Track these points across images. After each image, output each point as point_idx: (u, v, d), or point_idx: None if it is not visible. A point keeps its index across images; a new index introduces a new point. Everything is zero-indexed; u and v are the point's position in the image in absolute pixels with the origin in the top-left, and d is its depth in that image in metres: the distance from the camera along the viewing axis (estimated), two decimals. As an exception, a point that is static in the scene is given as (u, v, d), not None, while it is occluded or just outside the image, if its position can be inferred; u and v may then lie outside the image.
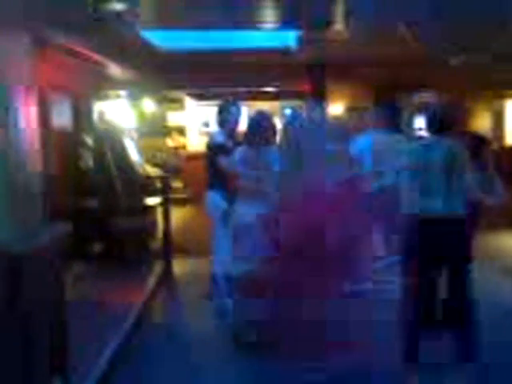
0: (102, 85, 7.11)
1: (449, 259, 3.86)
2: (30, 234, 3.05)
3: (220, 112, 5.11)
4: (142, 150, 8.18)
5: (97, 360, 3.70)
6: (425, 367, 3.82)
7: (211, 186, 4.95)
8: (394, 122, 5.04)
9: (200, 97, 11.81)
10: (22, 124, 3.32)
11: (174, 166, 12.22)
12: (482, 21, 4.98)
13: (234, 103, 5.16)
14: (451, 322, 3.90)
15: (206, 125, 12.08)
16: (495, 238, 8.01)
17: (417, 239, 3.84)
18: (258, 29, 5.03)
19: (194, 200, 9.17)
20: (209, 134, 6.77)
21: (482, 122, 11.47)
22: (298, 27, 4.96)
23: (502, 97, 10.57)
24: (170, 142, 13.73)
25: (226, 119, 5.06)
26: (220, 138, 4.99)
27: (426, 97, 8.61)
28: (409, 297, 3.93)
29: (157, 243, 6.93)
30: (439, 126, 3.92)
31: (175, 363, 4.05)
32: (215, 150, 4.85)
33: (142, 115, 11.18)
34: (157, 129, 12.92)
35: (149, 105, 11.61)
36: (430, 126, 3.96)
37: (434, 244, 3.80)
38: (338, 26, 4.83)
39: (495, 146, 10.46)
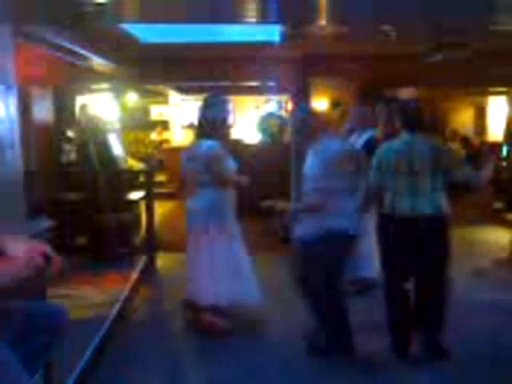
0: (84, 78, 7.05)
1: (428, 258, 3.86)
2: (11, 230, 3.02)
3: (207, 106, 4.97)
4: (125, 144, 8.14)
5: (78, 356, 3.69)
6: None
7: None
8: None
9: (183, 90, 11.77)
10: (2, 117, 3.29)
11: (158, 160, 12.21)
12: (464, 17, 5.02)
13: (221, 97, 5.05)
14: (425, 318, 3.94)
15: (191, 125, 11.89)
16: (472, 232, 8.13)
17: (396, 238, 3.85)
18: (241, 23, 5.02)
19: (177, 194, 9.14)
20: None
21: (464, 119, 11.59)
22: (281, 22, 4.95)
23: (484, 93, 10.68)
24: (155, 136, 13.69)
25: (213, 114, 4.96)
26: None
27: (408, 92, 8.68)
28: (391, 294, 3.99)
29: (140, 238, 6.92)
30: (418, 123, 3.88)
31: (156, 363, 4.05)
32: None
33: (125, 109, 11.12)
34: (140, 122, 12.89)
35: (132, 98, 11.56)
36: (408, 123, 3.89)
37: (414, 242, 3.81)
38: (322, 21, 4.84)
39: (477, 141, 10.60)
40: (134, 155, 9.40)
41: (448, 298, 3.93)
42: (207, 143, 4.37)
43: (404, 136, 3.89)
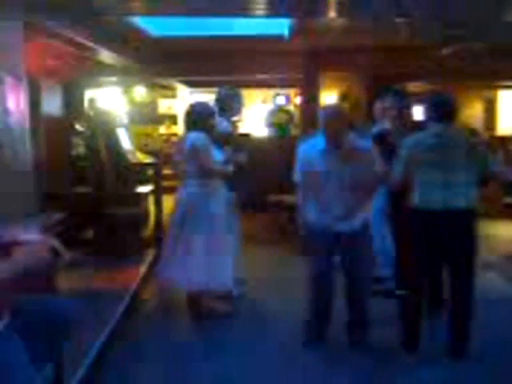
0: (93, 71, 7.06)
1: (460, 250, 3.79)
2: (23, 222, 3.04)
3: (220, 99, 5.08)
4: (133, 138, 8.14)
5: (88, 348, 3.70)
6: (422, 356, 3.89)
7: None
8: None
9: (192, 84, 11.75)
10: (12, 110, 3.30)
11: (166, 153, 12.20)
12: (473, 11, 4.98)
13: (235, 90, 5.14)
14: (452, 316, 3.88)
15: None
16: (481, 226, 8.09)
17: (427, 232, 3.77)
18: (251, 16, 5.00)
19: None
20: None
21: (473, 112, 11.52)
22: (290, 15, 4.93)
23: (494, 87, 10.60)
24: (164, 130, 13.68)
25: (227, 107, 5.06)
26: (225, 125, 4.97)
27: (419, 86, 8.62)
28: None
29: (148, 231, 6.92)
30: (450, 114, 3.75)
31: (164, 355, 4.08)
32: (222, 138, 4.80)
33: (133, 102, 11.12)
34: (149, 116, 12.88)
35: (140, 92, 11.56)
36: (439, 114, 3.74)
37: (446, 236, 3.73)
38: (332, 13, 4.82)
39: (486, 135, 10.53)
40: (142, 149, 9.40)
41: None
42: (193, 135, 4.49)
43: (435, 128, 3.76)
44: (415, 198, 3.78)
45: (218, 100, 5.13)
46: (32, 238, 2.34)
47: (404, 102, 4.98)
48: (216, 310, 4.70)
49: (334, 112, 3.85)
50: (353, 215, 3.88)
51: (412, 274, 3.91)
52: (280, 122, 7.11)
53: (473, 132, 10.53)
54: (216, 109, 4.95)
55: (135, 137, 9.16)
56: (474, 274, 3.83)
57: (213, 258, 4.51)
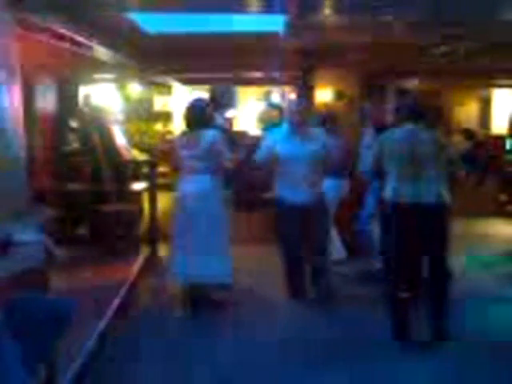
0: (88, 68, 7.03)
1: (429, 240, 4.03)
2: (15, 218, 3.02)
3: (214, 97, 5.18)
4: (128, 135, 8.12)
5: (81, 346, 3.69)
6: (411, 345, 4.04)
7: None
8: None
9: (187, 82, 11.72)
10: (6, 106, 3.28)
11: (161, 150, 12.17)
12: (468, 9, 4.98)
13: (229, 88, 5.27)
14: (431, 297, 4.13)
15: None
16: (477, 225, 8.12)
17: (398, 223, 4.04)
18: (246, 12, 4.99)
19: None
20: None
21: (468, 111, 11.52)
22: (285, 11, 4.92)
23: (489, 86, 10.60)
24: (160, 127, 13.63)
25: (220, 103, 5.15)
26: (221, 122, 5.06)
27: (412, 84, 8.62)
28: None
29: (143, 228, 6.91)
30: (419, 114, 4.06)
31: (159, 351, 4.06)
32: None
33: (128, 99, 11.08)
34: (144, 113, 12.82)
35: (135, 89, 11.50)
36: (411, 113, 4.07)
37: (415, 227, 3.98)
38: (327, 10, 4.80)
39: (481, 134, 10.53)
40: (137, 146, 9.37)
41: (451, 281, 4.12)
42: (211, 132, 4.62)
43: (407, 126, 4.07)
44: (389, 192, 4.06)
45: (212, 97, 5.18)
46: (26, 238, 2.33)
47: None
48: (215, 299, 4.93)
49: (297, 104, 4.95)
50: (312, 189, 4.76)
51: (396, 266, 4.14)
52: (272, 119, 7.10)
53: (469, 132, 10.56)
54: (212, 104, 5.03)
55: (130, 134, 9.13)
56: (447, 260, 4.07)
57: (213, 252, 4.66)
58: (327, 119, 5.83)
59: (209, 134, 4.60)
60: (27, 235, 2.52)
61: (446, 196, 3.96)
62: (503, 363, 3.84)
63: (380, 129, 4.86)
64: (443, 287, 4.07)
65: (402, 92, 5.18)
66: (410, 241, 4.03)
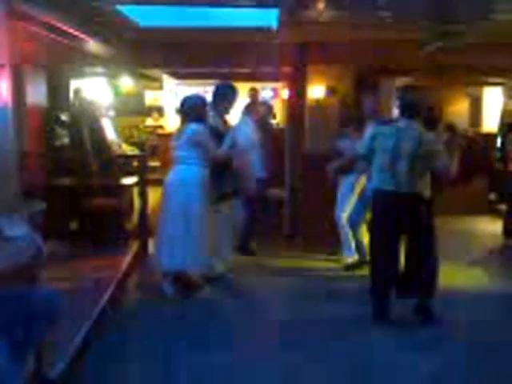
0: (78, 61, 6.97)
1: (408, 228, 4.31)
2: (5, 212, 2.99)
3: (215, 94, 5.23)
4: (119, 129, 8.07)
5: (69, 340, 3.67)
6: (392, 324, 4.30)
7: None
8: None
9: (178, 76, 11.68)
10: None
11: (152, 145, 12.13)
12: (463, 6, 4.99)
13: (229, 85, 5.31)
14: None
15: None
16: (467, 222, 8.15)
17: (380, 210, 4.36)
18: (239, 6, 4.96)
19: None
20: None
21: (459, 109, 11.56)
22: (278, 6, 4.90)
23: (480, 84, 10.64)
24: (151, 121, 13.58)
25: (219, 101, 5.19)
26: (215, 120, 5.16)
27: (405, 81, 8.62)
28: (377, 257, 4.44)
29: (133, 223, 6.88)
30: (410, 110, 4.22)
31: (148, 347, 4.05)
32: (211, 132, 4.96)
33: (119, 93, 11.03)
34: (135, 107, 12.76)
35: (126, 83, 11.44)
36: (403, 110, 4.25)
37: (394, 210, 4.28)
38: (320, 5, 4.79)
39: (471, 132, 10.57)
40: (127, 140, 9.33)
41: (437, 260, 4.37)
42: (194, 125, 4.80)
43: (400, 122, 4.30)
44: (375, 181, 4.39)
45: (215, 95, 5.25)
46: (15, 232, 2.31)
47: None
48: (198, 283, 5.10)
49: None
50: None
51: (376, 249, 4.44)
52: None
53: (450, 128, 10.54)
54: (211, 102, 5.23)
55: (121, 128, 9.09)
56: (429, 243, 4.34)
57: (188, 241, 4.80)
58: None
59: (192, 127, 4.78)
60: (16, 230, 2.49)
61: (423, 189, 4.24)
62: (479, 340, 4.11)
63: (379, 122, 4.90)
64: (424, 266, 4.30)
65: (404, 88, 5.16)
66: (388, 223, 4.30)
